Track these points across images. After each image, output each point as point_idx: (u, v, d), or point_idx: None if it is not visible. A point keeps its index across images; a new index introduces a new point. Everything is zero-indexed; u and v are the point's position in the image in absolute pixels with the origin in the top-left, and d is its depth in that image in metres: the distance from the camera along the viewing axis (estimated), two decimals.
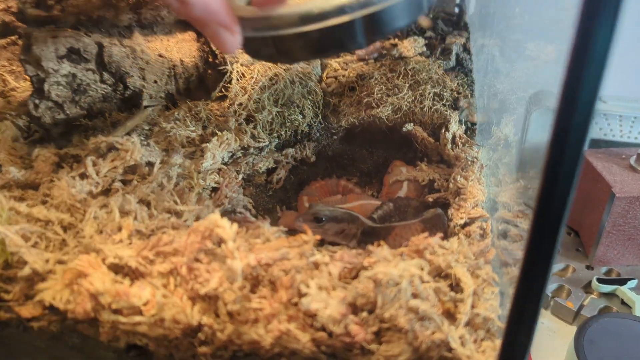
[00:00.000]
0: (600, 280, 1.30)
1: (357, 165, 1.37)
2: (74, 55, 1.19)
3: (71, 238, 0.81)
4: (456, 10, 1.53)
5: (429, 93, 1.27)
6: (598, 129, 1.78)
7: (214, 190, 1.14)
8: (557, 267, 1.39)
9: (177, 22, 1.34)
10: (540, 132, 1.57)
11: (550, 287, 1.31)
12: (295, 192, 1.32)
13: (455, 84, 1.32)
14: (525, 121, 1.56)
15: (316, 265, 0.81)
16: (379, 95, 1.30)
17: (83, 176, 0.98)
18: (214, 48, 1.32)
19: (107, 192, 0.98)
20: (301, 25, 0.71)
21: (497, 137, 1.19)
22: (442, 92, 1.29)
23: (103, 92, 1.25)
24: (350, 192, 1.27)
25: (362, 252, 0.98)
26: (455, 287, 0.78)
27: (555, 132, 0.34)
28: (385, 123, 1.28)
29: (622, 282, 1.30)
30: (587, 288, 1.32)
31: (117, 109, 1.28)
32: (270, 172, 1.28)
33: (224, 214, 1.01)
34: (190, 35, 1.37)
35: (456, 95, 1.30)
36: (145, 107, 1.28)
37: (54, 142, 1.17)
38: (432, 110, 1.25)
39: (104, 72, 1.24)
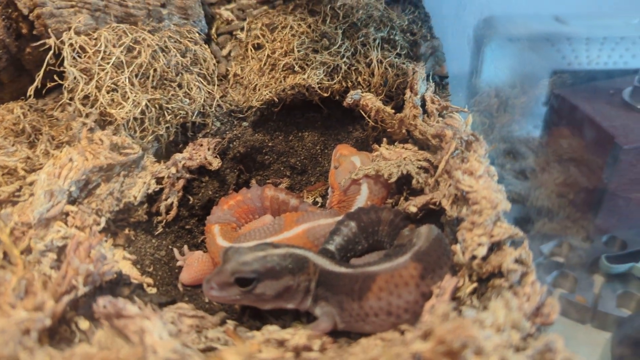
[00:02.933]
0: (609, 259, 1.07)
1: (284, 160, 0.99)
2: None
3: None
4: None
5: (374, 40, 0.91)
6: (561, 58, 1.54)
7: (63, 250, 0.72)
8: (549, 246, 1.16)
9: None
10: (500, 66, 1.32)
11: (549, 277, 1.07)
12: (199, 219, 0.92)
13: (406, 22, 0.97)
14: (479, 53, 1.30)
15: None
16: (302, 52, 0.91)
17: None
18: (23, 10, 0.86)
19: None
20: None
21: (486, 93, 0.85)
22: (391, 36, 0.93)
23: None
24: (283, 207, 0.89)
25: (335, 345, 0.63)
26: None
27: None
28: (318, 93, 0.91)
29: (637, 256, 1.07)
30: (593, 267, 1.09)
31: None
32: (152, 198, 0.85)
33: (78, 305, 0.61)
34: None
35: (411, 38, 0.95)
36: None
37: None
38: (384, 65, 0.89)
39: None
